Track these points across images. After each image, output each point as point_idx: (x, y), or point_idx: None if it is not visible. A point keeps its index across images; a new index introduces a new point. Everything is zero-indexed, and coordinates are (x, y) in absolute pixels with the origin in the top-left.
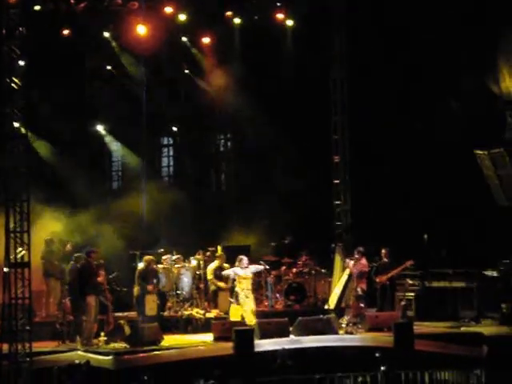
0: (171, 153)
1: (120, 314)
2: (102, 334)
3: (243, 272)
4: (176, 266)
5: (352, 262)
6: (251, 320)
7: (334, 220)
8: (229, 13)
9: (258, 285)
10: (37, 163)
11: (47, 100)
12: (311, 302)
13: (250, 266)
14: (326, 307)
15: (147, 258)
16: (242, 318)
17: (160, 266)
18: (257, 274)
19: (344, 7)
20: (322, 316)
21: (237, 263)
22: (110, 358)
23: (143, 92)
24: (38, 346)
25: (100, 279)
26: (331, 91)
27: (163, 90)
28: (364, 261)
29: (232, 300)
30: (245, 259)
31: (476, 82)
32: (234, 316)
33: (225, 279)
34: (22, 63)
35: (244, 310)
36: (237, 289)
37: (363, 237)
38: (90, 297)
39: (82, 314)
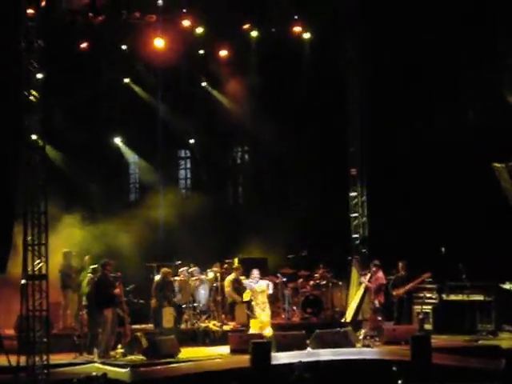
0: (188, 165)
1: (137, 327)
2: (119, 346)
3: (257, 285)
4: (193, 278)
5: (368, 277)
6: (268, 333)
7: (351, 232)
8: (246, 26)
9: (275, 297)
10: (54, 175)
11: (64, 112)
12: (328, 314)
13: (261, 281)
14: (343, 320)
15: (164, 270)
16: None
17: (177, 278)
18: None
19: (357, 19)
20: (339, 329)
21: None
22: (127, 370)
23: (160, 104)
24: (56, 359)
25: (117, 291)
26: (349, 102)
27: (180, 102)
28: (381, 274)
29: (248, 313)
30: (255, 272)
31: (494, 94)
32: (254, 328)
33: (242, 293)
34: (39, 76)
35: (260, 322)
36: (253, 302)
37: (380, 249)
38: (107, 310)
39: (98, 327)
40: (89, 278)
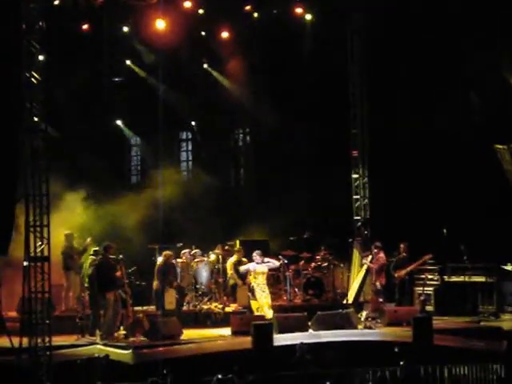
0: (190, 147)
1: (139, 309)
2: (122, 328)
3: (258, 267)
4: (195, 260)
5: (369, 258)
6: (268, 314)
7: (353, 214)
8: (248, 7)
9: (277, 279)
10: (55, 155)
11: (65, 94)
12: (330, 296)
13: (266, 261)
14: (344, 302)
15: (166, 252)
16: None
17: (179, 260)
18: (275, 269)
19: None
20: (340, 310)
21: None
22: (129, 351)
23: (160, 86)
24: (58, 340)
25: (118, 274)
26: (350, 84)
27: (182, 84)
28: (382, 254)
29: (249, 294)
30: (257, 254)
31: (495, 77)
32: (255, 310)
33: (243, 275)
34: (41, 58)
35: (260, 304)
36: (253, 283)
37: (382, 231)
38: (109, 293)
39: (100, 309)
40: (91, 260)
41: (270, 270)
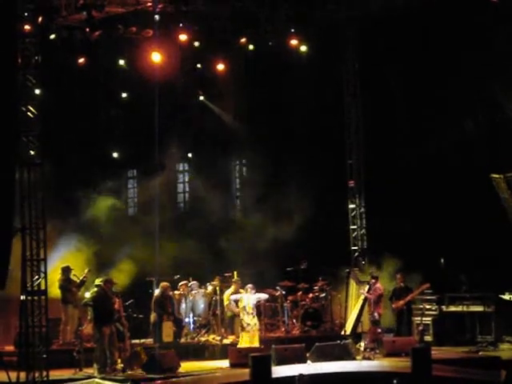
0: (186, 179)
1: (137, 341)
2: (119, 361)
3: (251, 298)
4: (192, 292)
5: (366, 289)
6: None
7: (350, 245)
8: (243, 39)
9: (275, 310)
10: (52, 191)
11: (61, 127)
12: (328, 327)
13: (256, 294)
14: (342, 332)
15: (163, 284)
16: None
17: (176, 292)
18: (272, 300)
19: (357, 32)
20: (339, 341)
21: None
22: None
23: (157, 118)
24: (55, 374)
25: (116, 306)
26: (345, 115)
27: (178, 116)
28: (379, 285)
29: (243, 323)
30: (250, 288)
31: (491, 105)
32: (244, 343)
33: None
34: (37, 91)
35: (251, 332)
36: (243, 312)
37: (378, 261)
38: (105, 326)
39: (96, 342)
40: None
41: (265, 301)
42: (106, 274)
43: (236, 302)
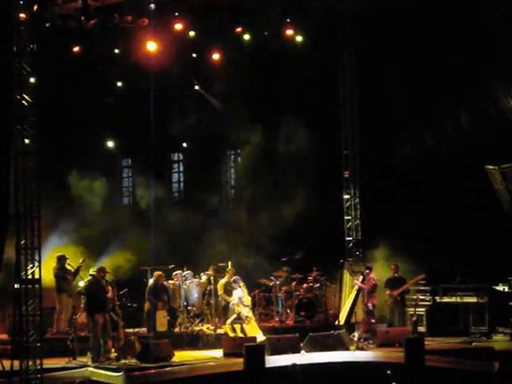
0: (181, 168)
1: (131, 330)
2: (113, 350)
3: (244, 294)
4: (186, 281)
5: (361, 279)
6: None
7: (345, 235)
8: (238, 29)
9: (269, 300)
10: (48, 178)
11: (58, 116)
12: (322, 317)
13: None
14: (336, 323)
15: (157, 273)
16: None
17: (170, 281)
18: (266, 290)
19: (352, 22)
20: (332, 332)
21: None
22: (121, 374)
23: (152, 107)
24: (49, 363)
25: (109, 295)
26: (341, 105)
27: (173, 106)
28: (373, 275)
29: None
30: (238, 280)
31: (487, 97)
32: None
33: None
34: (32, 80)
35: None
36: (239, 305)
37: (373, 252)
38: (98, 315)
39: (90, 331)
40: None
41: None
42: (101, 263)
43: (240, 299)
